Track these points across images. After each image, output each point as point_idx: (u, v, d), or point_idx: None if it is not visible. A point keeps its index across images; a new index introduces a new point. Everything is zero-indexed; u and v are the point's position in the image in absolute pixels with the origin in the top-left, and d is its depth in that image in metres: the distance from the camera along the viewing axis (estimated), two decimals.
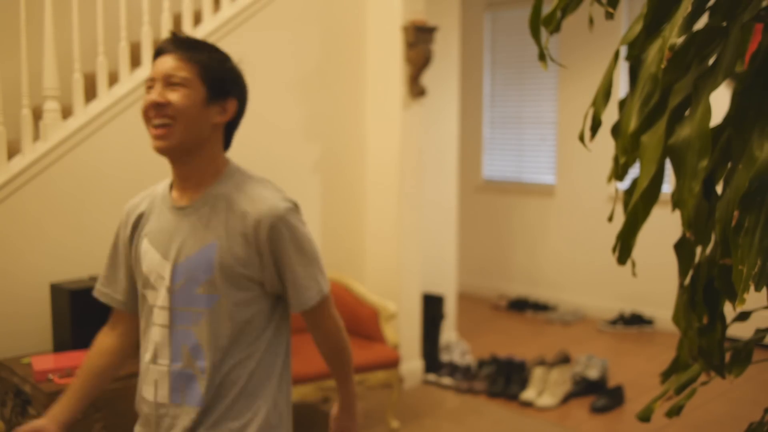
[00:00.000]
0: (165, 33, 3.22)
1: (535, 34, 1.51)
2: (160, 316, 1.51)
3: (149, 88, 1.48)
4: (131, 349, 1.69)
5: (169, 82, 1.45)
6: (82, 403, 1.63)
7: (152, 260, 1.52)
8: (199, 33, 3.29)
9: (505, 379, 4.08)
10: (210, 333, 1.48)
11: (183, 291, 1.49)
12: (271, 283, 1.51)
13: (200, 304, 1.48)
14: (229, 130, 1.56)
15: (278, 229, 1.47)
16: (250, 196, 1.50)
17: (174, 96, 1.45)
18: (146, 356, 1.55)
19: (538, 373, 3.99)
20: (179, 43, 1.49)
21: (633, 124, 1.29)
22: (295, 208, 1.52)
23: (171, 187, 1.58)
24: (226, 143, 1.57)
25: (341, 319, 1.63)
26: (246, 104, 1.57)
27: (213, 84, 1.48)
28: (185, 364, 1.49)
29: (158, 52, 1.50)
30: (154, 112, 1.46)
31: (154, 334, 1.52)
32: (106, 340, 1.68)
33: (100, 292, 1.67)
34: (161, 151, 1.47)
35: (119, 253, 1.63)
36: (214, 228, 1.48)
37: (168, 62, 1.46)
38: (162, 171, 3.26)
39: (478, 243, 6.26)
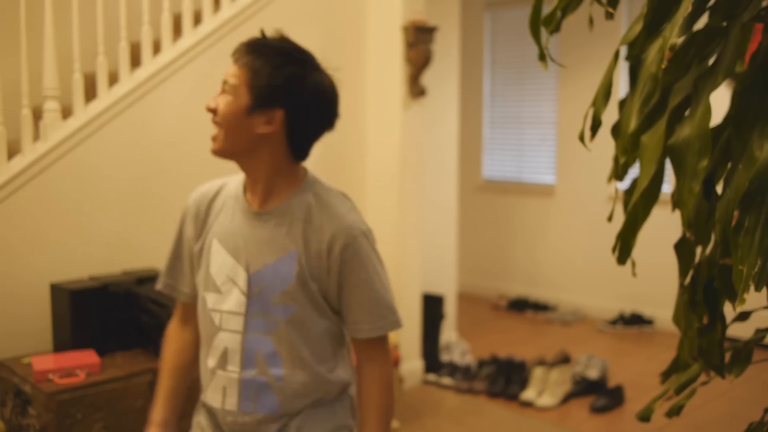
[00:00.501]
0: (165, 33, 3.22)
1: (535, 34, 1.51)
2: (232, 322, 1.46)
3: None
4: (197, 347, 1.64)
5: (223, 88, 1.45)
6: (178, 401, 1.62)
7: (223, 263, 1.48)
8: (199, 33, 3.29)
9: (505, 379, 4.08)
10: (288, 342, 1.45)
11: (260, 298, 1.45)
12: (333, 303, 1.49)
13: (277, 313, 1.45)
14: (300, 139, 1.47)
15: (353, 248, 1.45)
16: (329, 211, 1.47)
17: (218, 101, 1.44)
18: (210, 362, 1.50)
19: (538, 373, 3.99)
20: (247, 47, 1.44)
21: (633, 124, 1.29)
22: (370, 232, 1.50)
23: (244, 188, 1.52)
24: (302, 154, 1.49)
25: (393, 372, 1.56)
26: (315, 113, 1.47)
27: (259, 92, 1.41)
28: (259, 372, 1.46)
29: (233, 58, 1.48)
30: (212, 117, 1.46)
31: (223, 340, 1.47)
32: (183, 335, 1.64)
33: (167, 285, 1.61)
34: (212, 153, 1.47)
35: (183, 246, 1.58)
36: (294, 238, 1.45)
37: (230, 69, 1.45)
38: (162, 171, 3.24)
39: (478, 243, 6.26)
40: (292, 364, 1.45)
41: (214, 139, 1.45)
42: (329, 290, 1.47)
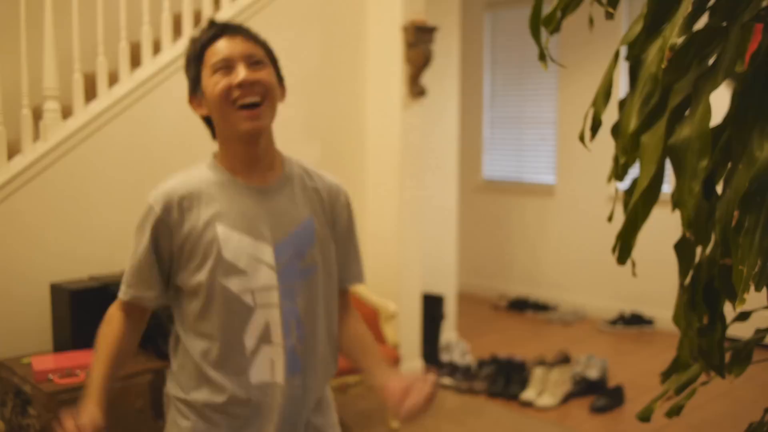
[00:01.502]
0: (165, 33, 3.23)
1: (535, 34, 1.51)
2: (267, 297, 1.46)
3: (222, 69, 1.44)
4: (139, 338, 1.60)
5: (251, 61, 1.44)
6: (110, 385, 1.53)
7: (240, 245, 1.45)
8: None
9: (505, 379, 4.08)
10: (307, 303, 1.51)
11: (288, 268, 1.48)
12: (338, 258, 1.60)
13: (303, 277, 1.51)
14: None
15: (349, 204, 1.62)
16: (318, 174, 1.59)
17: (262, 74, 1.45)
18: (249, 342, 1.46)
19: (538, 373, 3.99)
20: (238, 27, 1.48)
21: (633, 124, 1.29)
22: None
23: (228, 171, 1.49)
24: None
25: None
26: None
27: (275, 64, 1.51)
28: (293, 338, 1.50)
29: (214, 37, 1.47)
30: (244, 91, 1.42)
31: (262, 316, 1.46)
32: (126, 324, 1.55)
33: (133, 296, 1.52)
34: (257, 131, 1.44)
35: (151, 253, 1.48)
36: (305, 204, 1.53)
37: (240, 43, 1.45)
38: (162, 171, 3.26)
39: (478, 243, 6.26)
40: (309, 324, 1.52)
41: (260, 114, 1.43)
42: (335, 245, 1.59)
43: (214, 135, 1.54)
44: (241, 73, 1.42)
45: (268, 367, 1.48)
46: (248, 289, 1.46)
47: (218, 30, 1.48)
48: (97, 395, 1.49)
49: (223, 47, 1.45)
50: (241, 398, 1.48)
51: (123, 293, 1.53)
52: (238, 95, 1.42)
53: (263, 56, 1.47)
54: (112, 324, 1.56)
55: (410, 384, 1.44)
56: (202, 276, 1.46)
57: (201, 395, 1.50)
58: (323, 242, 1.54)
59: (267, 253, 1.47)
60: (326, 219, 1.56)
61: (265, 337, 1.47)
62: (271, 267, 1.47)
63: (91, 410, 1.46)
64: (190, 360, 1.51)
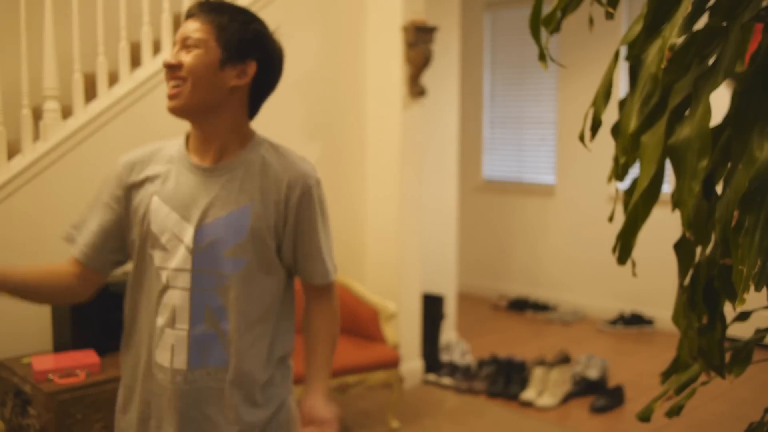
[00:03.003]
0: (165, 33, 3.22)
1: (535, 34, 1.51)
2: (179, 279, 1.46)
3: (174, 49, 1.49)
4: (69, 297, 1.62)
5: (185, 44, 1.45)
6: (23, 287, 1.52)
7: (166, 219, 1.47)
8: None
9: (505, 379, 4.08)
10: (236, 297, 1.46)
11: (207, 253, 1.45)
12: (286, 255, 1.52)
13: (227, 267, 1.46)
14: (256, 97, 1.52)
15: (310, 196, 1.51)
16: (284, 162, 1.51)
17: (186, 57, 1.44)
18: (159, 320, 1.48)
19: (538, 373, 3.99)
20: (204, 6, 1.48)
21: (633, 124, 1.29)
22: (321, 181, 1.56)
23: (187, 147, 1.53)
24: (253, 111, 1.54)
25: (338, 307, 1.66)
26: (276, 71, 1.53)
27: (230, 45, 1.45)
28: (208, 326, 1.46)
29: (187, 16, 1.49)
30: (168, 73, 1.45)
31: (172, 298, 1.46)
32: (68, 272, 1.56)
33: (68, 234, 1.58)
34: (172, 111, 1.46)
35: (99, 205, 1.55)
36: (249, 192, 1.47)
37: (189, 25, 1.46)
38: None
39: (478, 243, 6.26)
40: (236, 318, 1.47)
41: (176, 95, 1.45)
42: (284, 241, 1.50)
43: None
44: (167, 56, 1.46)
45: (168, 351, 1.47)
46: (165, 266, 1.47)
47: (192, 9, 1.49)
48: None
49: (181, 28, 1.48)
50: (147, 375, 1.50)
51: (64, 234, 1.58)
52: (167, 77, 1.47)
53: (201, 38, 1.44)
54: (53, 263, 1.59)
55: (314, 418, 1.49)
56: (135, 237, 1.51)
57: (125, 362, 1.56)
58: (258, 237, 1.47)
59: (188, 234, 1.46)
60: (278, 213, 1.49)
61: (170, 321, 1.47)
62: (188, 249, 1.46)
63: None
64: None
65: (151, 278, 1.50)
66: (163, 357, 1.48)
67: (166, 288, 1.47)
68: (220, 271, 1.46)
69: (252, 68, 1.47)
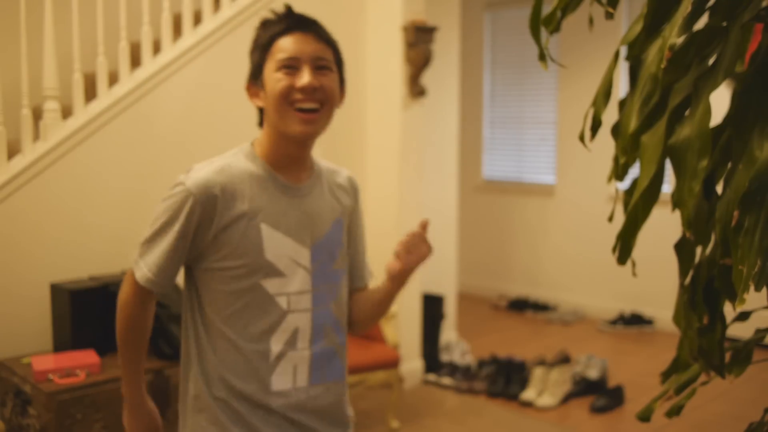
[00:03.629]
0: (165, 33, 3.22)
1: (535, 34, 1.51)
2: (301, 301, 1.43)
3: (287, 68, 1.39)
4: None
5: (317, 65, 1.40)
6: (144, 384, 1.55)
7: (282, 246, 1.41)
8: (199, 33, 3.29)
9: (505, 379, 4.08)
10: (342, 305, 1.52)
11: (321, 270, 1.47)
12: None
13: (336, 278, 1.50)
14: None
15: (359, 198, 1.60)
16: (328, 168, 1.56)
17: (325, 80, 1.40)
18: (274, 347, 1.41)
19: (538, 373, 3.99)
20: (313, 23, 1.43)
21: (633, 124, 1.29)
22: None
23: (269, 165, 1.44)
24: None
25: None
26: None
27: (341, 68, 1.46)
28: (327, 342, 1.48)
29: (286, 30, 1.41)
30: (305, 95, 1.38)
31: (294, 321, 1.43)
32: (146, 315, 1.48)
33: (153, 282, 1.41)
34: (308, 136, 1.41)
35: (182, 239, 1.38)
36: (334, 204, 1.52)
37: (311, 43, 1.40)
38: (162, 170, 3.23)
39: (478, 243, 6.26)
40: (344, 326, 1.53)
41: (315, 120, 1.40)
42: (352, 242, 1.58)
43: (260, 123, 1.48)
44: (305, 77, 1.38)
45: (290, 374, 1.44)
46: (284, 292, 1.42)
47: (292, 23, 1.42)
48: (145, 391, 1.54)
49: (291, 44, 1.40)
50: (260, 404, 1.42)
51: (146, 281, 1.41)
52: (298, 98, 1.39)
53: (330, 59, 1.42)
54: (135, 311, 1.46)
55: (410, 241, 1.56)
56: (240, 270, 1.40)
57: (221, 393, 1.42)
58: (346, 245, 1.55)
59: (304, 256, 1.44)
60: (348, 218, 1.56)
61: (290, 343, 1.43)
62: (306, 270, 1.45)
63: (152, 408, 1.54)
64: (211, 356, 1.43)
65: (260, 307, 1.42)
66: (282, 382, 1.43)
67: (286, 313, 1.43)
68: (332, 284, 1.49)
69: (344, 92, 1.49)
